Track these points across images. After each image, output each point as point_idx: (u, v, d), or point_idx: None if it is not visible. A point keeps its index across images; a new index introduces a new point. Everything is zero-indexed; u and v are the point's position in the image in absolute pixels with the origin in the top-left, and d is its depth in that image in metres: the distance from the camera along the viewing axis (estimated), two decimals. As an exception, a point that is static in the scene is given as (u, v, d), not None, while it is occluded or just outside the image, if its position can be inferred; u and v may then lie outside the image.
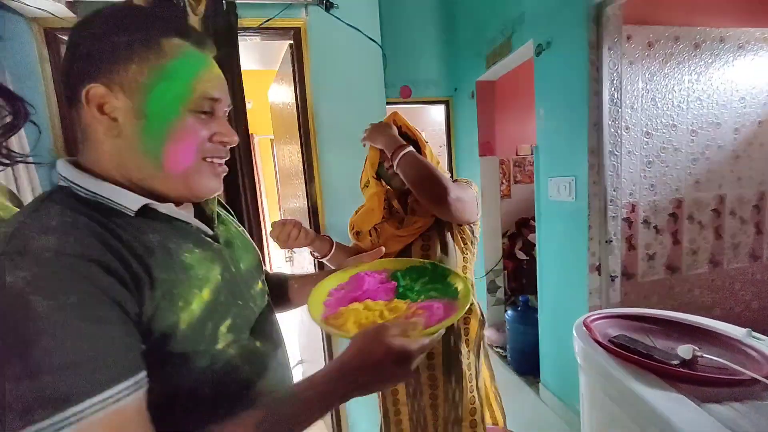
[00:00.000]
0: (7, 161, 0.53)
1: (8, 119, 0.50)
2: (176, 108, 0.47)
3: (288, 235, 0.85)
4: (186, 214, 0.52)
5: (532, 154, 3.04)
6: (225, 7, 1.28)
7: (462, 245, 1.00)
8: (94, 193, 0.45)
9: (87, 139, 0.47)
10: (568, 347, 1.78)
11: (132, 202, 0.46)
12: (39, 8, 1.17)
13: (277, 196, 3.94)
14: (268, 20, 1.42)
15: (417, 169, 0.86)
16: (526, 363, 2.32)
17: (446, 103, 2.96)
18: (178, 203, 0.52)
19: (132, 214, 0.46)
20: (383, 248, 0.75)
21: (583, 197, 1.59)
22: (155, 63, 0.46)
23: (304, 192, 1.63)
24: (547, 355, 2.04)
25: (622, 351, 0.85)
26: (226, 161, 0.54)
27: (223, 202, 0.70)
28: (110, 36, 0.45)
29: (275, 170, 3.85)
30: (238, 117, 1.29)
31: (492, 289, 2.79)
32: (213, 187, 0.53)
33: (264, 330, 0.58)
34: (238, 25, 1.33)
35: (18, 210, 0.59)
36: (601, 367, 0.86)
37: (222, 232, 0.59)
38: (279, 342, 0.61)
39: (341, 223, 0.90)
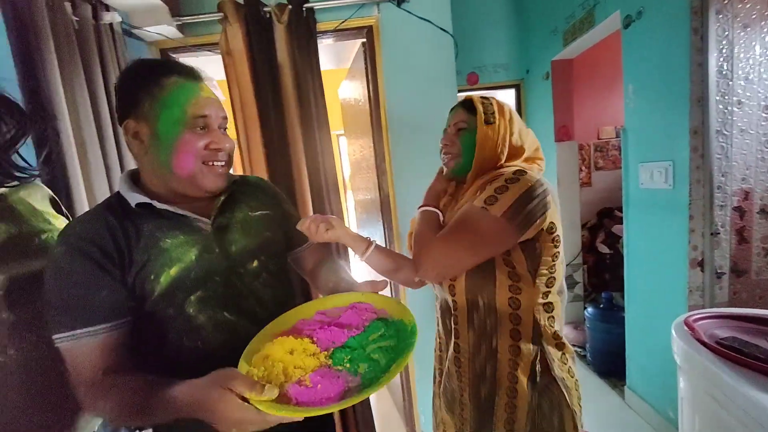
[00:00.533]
0: (22, 175, 0.67)
1: (12, 133, 0.64)
2: (177, 128, 0.63)
3: (314, 227, 0.80)
4: (180, 209, 0.67)
5: (617, 137, 2.76)
6: (305, 13, 1.38)
7: (510, 269, 0.74)
8: (122, 194, 0.66)
9: (134, 157, 0.68)
10: (661, 348, 1.63)
11: (133, 199, 0.64)
12: (157, 33, 1.38)
13: (343, 188, 4.19)
14: (343, 22, 1.49)
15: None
16: (608, 364, 2.15)
17: (516, 87, 2.82)
18: (194, 198, 0.68)
19: (134, 207, 0.64)
20: (386, 281, 0.73)
21: (683, 184, 1.42)
22: (159, 97, 0.63)
23: (376, 185, 1.70)
24: (634, 356, 1.87)
25: (735, 354, 0.76)
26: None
27: (268, 190, 0.85)
28: (131, 86, 0.65)
29: (341, 164, 4.09)
30: (320, 116, 1.39)
31: (569, 284, 2.62)
32: (216, 184, 0.68)
33: (242, 305, 0.69)
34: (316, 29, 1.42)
35: (58, 215, 0.74)
36: (707, 370, 0.78)
37: (222, 220, 0.71)
38: (260, 319, 0.67)
39: (413, 215, 0.93)
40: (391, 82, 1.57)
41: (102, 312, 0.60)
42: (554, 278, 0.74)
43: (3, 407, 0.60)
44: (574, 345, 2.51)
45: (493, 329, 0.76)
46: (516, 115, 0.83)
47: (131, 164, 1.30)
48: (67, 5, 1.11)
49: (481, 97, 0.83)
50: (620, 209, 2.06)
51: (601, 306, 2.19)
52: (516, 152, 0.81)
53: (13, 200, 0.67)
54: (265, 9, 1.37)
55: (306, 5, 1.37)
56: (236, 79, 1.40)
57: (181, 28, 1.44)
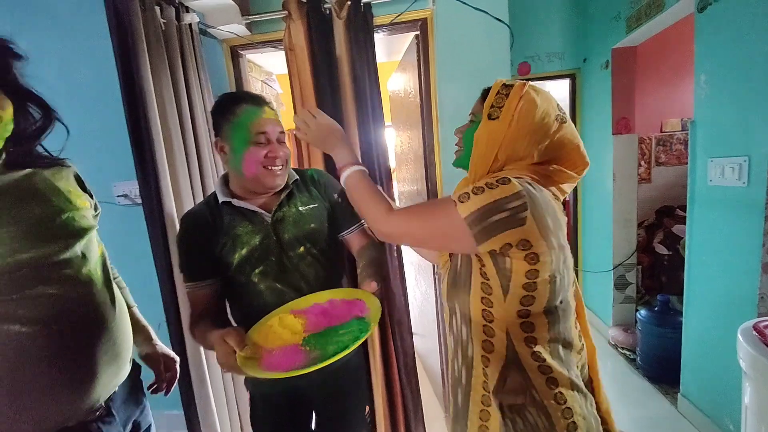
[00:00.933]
0: (44, 161, 0.72)
1: (39, 123, 0.69)
2: (244, 144, 0.88)
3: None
4: (251, 204, 0.93)
5: (683, 130, 2.57)
6: (363, 8, 1.43)
7: (483, 280, 0.70)
8: (216, 193, 0.96)
9: (222, 165, 0.96)
10: (723, 355, 1.53)
11: (220, 198, 0.93)
12: (229, 32, 1.50)
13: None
14: (398, 15, 1.52)
15: (354, 193, 0.82)
16: (661, 369, 2.05)
17: (572, 77, 2.70)
18: (261, 194, 0.95)
19: (220, 203, 0.93)
20: (374, 284, 0.81)
21: (760, 182, 1.32)
22: (232, 121, 0.89)
23: (423, 176, 1.73)
24: (691, 362, 1.77)
25: (811, 361, 0.72)
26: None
27: (320, 183, 1.04)
28: (217, 113, 0.93)
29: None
30: (376, 108, 1.44)
31: (620, 285, 2.51)
32: (275, 182, 0.93)
33: (289, 279, 0.93)
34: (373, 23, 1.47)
35: (82, 194, 0.77)
36: (778, 376, 0.75)
37: (279, 214, 0.94)
38: (302, 291, 0.93)
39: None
40: (443, 74, 1.58)
41: (200, 273, 0.91)
42: (533, 297, 0.66)
43: (33, 371, 0.63)
44: (623, 348, 2.40)
45: (468, 337, 0.74)
46: (539, 114, 0.69)
47: (206, 159, 1.44)
48: (157, 9, 1.24)
49: (504, 85, 0.72)
50: (682, 208, 1.93)
51: (656, 309, 2.08)
52: (519, 157, 0.71)
53: (36, 180, 0.68)
54: (326, 5, 1.43)
55: (364, 0, 1.42)
56: (297, 73, 1.48)
57: (249, 26, 1.55)
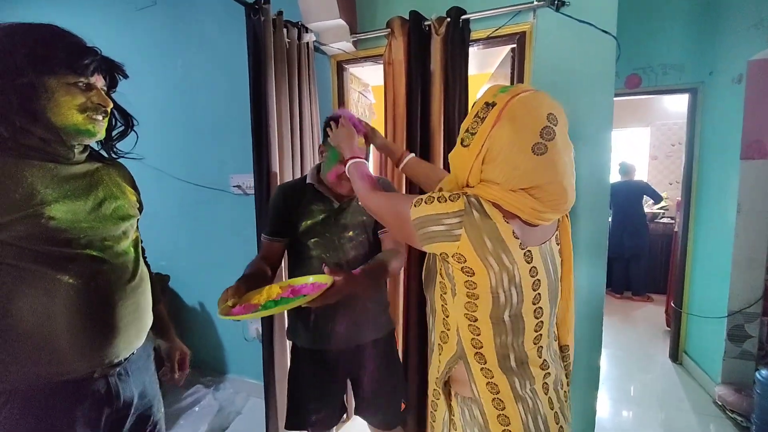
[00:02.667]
0: (115, 156, 0.91)
1: (120, 129, 0.89)
2: (335, 159, 1.11)
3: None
4: (326, 191, 1.15)
5: (844, 158, 2.09)
6: (461, 24, 1.49)
7: (441, 278, 0.79)
8: (306, 176, 1.22)
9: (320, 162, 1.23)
10: None
11: (309, 179, 1.17)
12: (338, 48, 1.70)
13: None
14: (496, 29, 1.54)
15: (353, 175, 0.99)
16: (785, 444, 1.69)
17: (692, 91, 2.39)
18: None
19: (305, 184, 1.18)
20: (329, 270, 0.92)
21: None
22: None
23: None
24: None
25: None
26: None
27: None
28: (329, 127, 1.15)
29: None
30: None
31: (737, 336, 2.12)
32: (345, 190, 1.14)
33: (334, 253, 1.15)
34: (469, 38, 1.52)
35: (131, 189, 0.94)
36: None
37: (344, 205, 1.16)
38: (341, 264, 1.14)
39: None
40: (538, 87, 1.54)
41: (277, 229, 1.18)
42: (476, 305, 0.72)
43: (72, 317, 0.74)
44: (732, 411, 2.03)
45: (432, 326, 0.86)
46: (514, 148, 0.65)
47: (307, 159, 1.63)
48: (285, 30, 1.46)
49: (486, 104, 0.68)
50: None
51: (785, 370, 1.73)
52: (492, 181, 0.68)
53: (104, 173, 0.86)
54: (426, 23, 1.53)
55: (463, 17, 1.48)
56: (393, 85, 1.60)
57: (355, 43, 1.72)
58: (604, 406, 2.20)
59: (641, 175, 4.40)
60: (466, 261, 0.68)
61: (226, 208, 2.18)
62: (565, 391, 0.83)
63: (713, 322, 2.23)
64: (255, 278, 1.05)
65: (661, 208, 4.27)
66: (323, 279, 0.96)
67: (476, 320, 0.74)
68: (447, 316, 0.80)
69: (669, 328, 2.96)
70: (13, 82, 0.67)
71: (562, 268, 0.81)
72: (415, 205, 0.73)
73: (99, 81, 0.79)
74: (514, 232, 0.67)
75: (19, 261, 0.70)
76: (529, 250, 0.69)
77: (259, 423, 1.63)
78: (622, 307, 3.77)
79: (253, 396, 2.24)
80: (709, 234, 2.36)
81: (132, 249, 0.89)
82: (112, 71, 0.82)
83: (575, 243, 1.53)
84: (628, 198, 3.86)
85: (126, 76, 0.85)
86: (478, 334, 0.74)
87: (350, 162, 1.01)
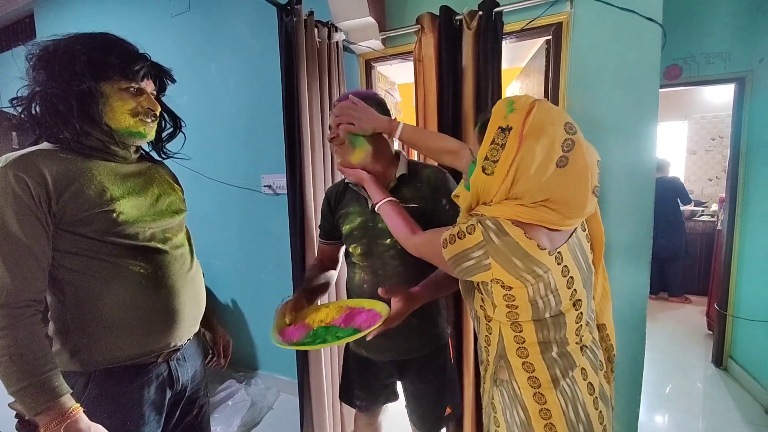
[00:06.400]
0: (164, 157, 0.97)
1: (169, 131, 0.95)
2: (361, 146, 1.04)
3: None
4: (362, 190, 1.05)
5: None
6: (493, 17, 1.45)
7: (477, 289, 0.83)
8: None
9: None
10: None
11: (345, 181, 1.12)
12: (367, 47, 1.69)
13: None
14: (531, 21, 1.50)
15: (387, 218, 0.96)
16: None
17: (740, 80, 2.25)
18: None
19: (344, 185, 1.14)
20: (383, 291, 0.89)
21: None
22: None
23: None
24: None
25: None
26: None
27: (431, 184, 1.10)
28: None
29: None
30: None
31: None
32: (378, 169, 1.07)
33: (372, 263, 1.06)
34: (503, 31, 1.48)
35: (177, 186, 0.99)
36: None
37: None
38: (379, 277, 1.05)
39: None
40: (575, 80, 1.49)
41: (326, 232, 1.18)
42: (516, 313, 0.75)
43: (142, 303, 0.80)
44: (788, 419, 1.90)
45: (478, 330, 0.89)
46: (537, 166, 0.66)
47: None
48: (315, 30, 1.47)
49: (500, 129, 0.68)
50: None
51: None
52: (513, 197, 0.71)
53: (155, 171, 0.92)
54: (457, 17, 1.50)
55: (496, 9, 1.44)
56: (423, 82, 1.58)
57: (384, 41, 1.71)
58: (642, 410, 2.11)
59: (678, 171, 4.19)
60: (503, 282, 0.73)
61: (258, 207, 2.22)
62: (605, 372, 0.84)
63: (763, 326, 2.09)
64: (314, 288, 1.08)
65: (698, 206, 4.05)
66: (378, 307, 0.90)
67: (518, 323, 0.78)
68: (489, 321, 0.83)
69: (711, 331, 2.81)
70: (74, 89, 0.71)
71: (593, 250, 0.83)
72: (444, 247, 0.77)
73: (149, 86, 0.83)
74: (538, 245, 0.69)
75: (100, 254, 0.76)
76: (559, 252, 0.71)
77: (290, 419, 1.66)
78: (658, 308, 3.61)
79: (284, 392, 2.29)
80: (758, 232, 2.21)
81: (185, 241, 0.95)
82: (161, 76, 0.86)
83: (616, 242, 1.47)
84: (662, 195, 3.67)
85: (174, 81, 0.89)
86: (521, 331, 0.78)
87: (381, 203, 0.97)
